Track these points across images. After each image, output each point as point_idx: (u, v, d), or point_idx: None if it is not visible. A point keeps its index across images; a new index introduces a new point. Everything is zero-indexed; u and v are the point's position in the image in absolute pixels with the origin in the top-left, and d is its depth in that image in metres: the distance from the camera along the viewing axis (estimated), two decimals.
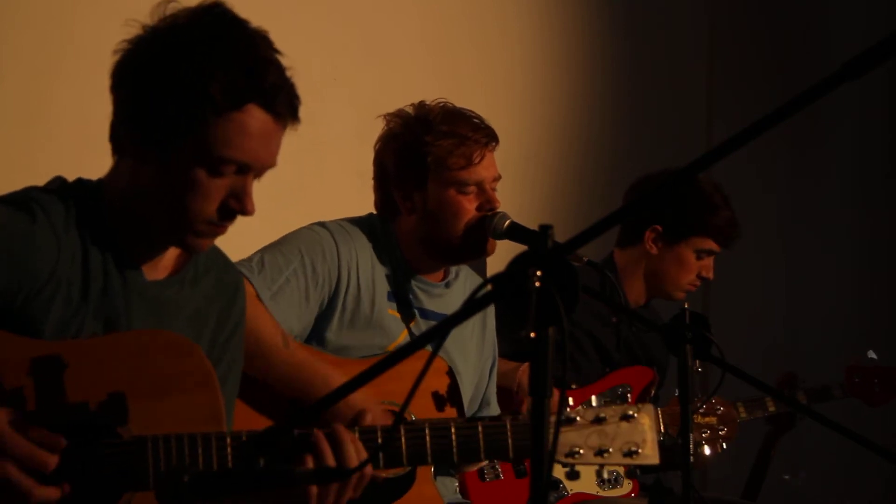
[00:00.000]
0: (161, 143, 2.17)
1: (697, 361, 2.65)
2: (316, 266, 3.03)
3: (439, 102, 3.20)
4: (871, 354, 4.40)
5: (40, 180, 2.31)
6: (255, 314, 2.84)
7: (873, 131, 6.54)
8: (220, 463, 2.18)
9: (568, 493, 3.69)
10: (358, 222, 3.20)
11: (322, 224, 3.14)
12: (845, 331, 5.99)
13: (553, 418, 1.66)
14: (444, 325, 1.81)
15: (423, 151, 3.12)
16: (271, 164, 2.24)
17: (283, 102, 2.20)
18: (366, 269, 3.11)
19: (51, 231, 2.19)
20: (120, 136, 2.24)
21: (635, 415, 2.49)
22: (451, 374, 3.13)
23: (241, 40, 2.19)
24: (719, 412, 3.86)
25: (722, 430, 3.84)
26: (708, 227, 4.00)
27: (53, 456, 2.05)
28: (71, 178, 2.32)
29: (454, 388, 3.12)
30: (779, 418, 4.39)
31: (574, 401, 3.75)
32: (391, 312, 3.13)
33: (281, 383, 2.91)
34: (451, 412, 3.10)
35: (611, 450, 2.48)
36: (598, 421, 2.48)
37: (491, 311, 3.40)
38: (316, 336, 3.06)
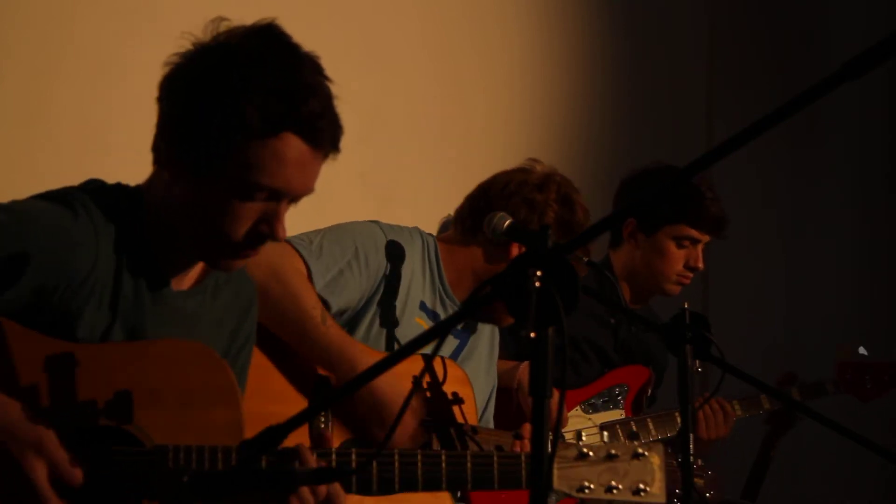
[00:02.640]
0: (196, 161, 2.15)
1: (697, 361, 2.65)
2: (369, 259, 3.08)
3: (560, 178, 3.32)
4: (862, 350, 4.41)
5: (40, 180, 2.30)
6: (302, 285, 2.91)
7: (873, 131, 6.54)
8: None
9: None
10: (409, 230, 3.26)
11: (375, 222, 3.19)
12: (845, 331, 5.98)
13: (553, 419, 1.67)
14: (447, 323, 1.82)
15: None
16: (307, 191, 2.21)
17: (321, 131, 2.17)
18: (407, 272, 3.15)
19: (92, 230, 2.18)
20: (160, 148, 2.23)
21: (646, 453, 2.55)
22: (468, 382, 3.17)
23: (287, 65, 2.16)
24: (707, 475, 3.84)
25: (709, 493, 3.83)
26: (678, 213, 3.95)
27: (79, 477, 2.06)
28: (71, 178, 2.31)
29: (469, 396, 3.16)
30: (779, 418, 4.39)
31: (572, 402, 3.76)
32: (418, 321, 3.17)
33: (311, 356, 2.94)
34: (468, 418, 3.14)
35: (620, 487, 2.54)
36: (610, 458, 2.53)
37: (497, 336, 3.43)
38: (349, 327, 3.10)
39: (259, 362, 2.85)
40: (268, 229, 2.19)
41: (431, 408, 3.05)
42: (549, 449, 1.68)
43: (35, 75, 3.43)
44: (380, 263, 3.10)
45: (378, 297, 3.11)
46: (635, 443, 2.57)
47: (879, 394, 4.39)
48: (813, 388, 4.30)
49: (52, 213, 2.16)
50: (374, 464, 2.37)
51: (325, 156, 2.21)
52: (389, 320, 3.14)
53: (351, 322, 3.10)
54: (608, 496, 2.52)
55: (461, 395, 3.13)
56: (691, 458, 2.64)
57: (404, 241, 3.18)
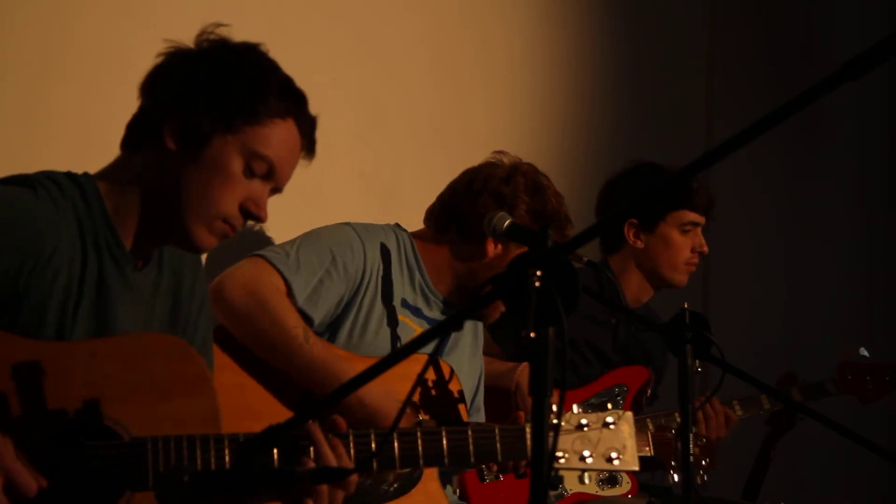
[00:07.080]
0: (206, 129, 2.29)
1: (697, 361, 2.66)
2: (347, 264, 3.11)
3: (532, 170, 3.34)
4: (864, 352, 4.41)
5: None
6: (282, 305, 2.94)
7: (873, 131, 6.54)
8: (219, 464, 2.20)
9: (567, 493, 3.69)
10: (382, 228, 3.28)
11: (349, 224, 3.22)
12: (845, 331, 5.99)
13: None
14: (447, 325, 1.82)
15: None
16: (285, 182, 2.41)
17: (311, 133, 2.42)
18: (386, 271, 3.17)
19: (53, 209, 2.22)
20: (147, 127, 2.33)
21: (616, 422, 2.58)
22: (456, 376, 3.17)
23: (286, 76, 2.41)
24: (701, 443, 3.85)
25: (704, 460, 3.83)
26: (676, 201, 4.01)
27: (33, 485, 2.06)
28: None
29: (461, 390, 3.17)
30: (778, 418, 4.39)
31: (571, 402, 3.76)
32: (402, 318, 3.18)
33: (297, 376, 2.96)
34: (463, 412, 3.15)
35: (593, 455, 2.56)
36: (581, 427, 2.57)
37: (480, 324, 3.45)
38: (330, 331, 3.10)
39: (241, 381, 2.87)
40: (255, 207, 2.34)
41: (428, 408, 3.06)
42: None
43: (35, 76, 3.43)
44: (357, 267, 3.13)
45: (359, 301, 3.12)
46: (604, 413, 2.61)
47: (881, 395, 4.39)
48: (814, 389, 4.30)
49: (12, 195, 2.20)
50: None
51: (304, 156, 2.44)
52: (392, 320, 3.16)
53: (331, 327, 3.11)
54: (581, 465, 2.57)
55: (449, 388, 3.14)
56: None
57: (378, 242, 3.21)
